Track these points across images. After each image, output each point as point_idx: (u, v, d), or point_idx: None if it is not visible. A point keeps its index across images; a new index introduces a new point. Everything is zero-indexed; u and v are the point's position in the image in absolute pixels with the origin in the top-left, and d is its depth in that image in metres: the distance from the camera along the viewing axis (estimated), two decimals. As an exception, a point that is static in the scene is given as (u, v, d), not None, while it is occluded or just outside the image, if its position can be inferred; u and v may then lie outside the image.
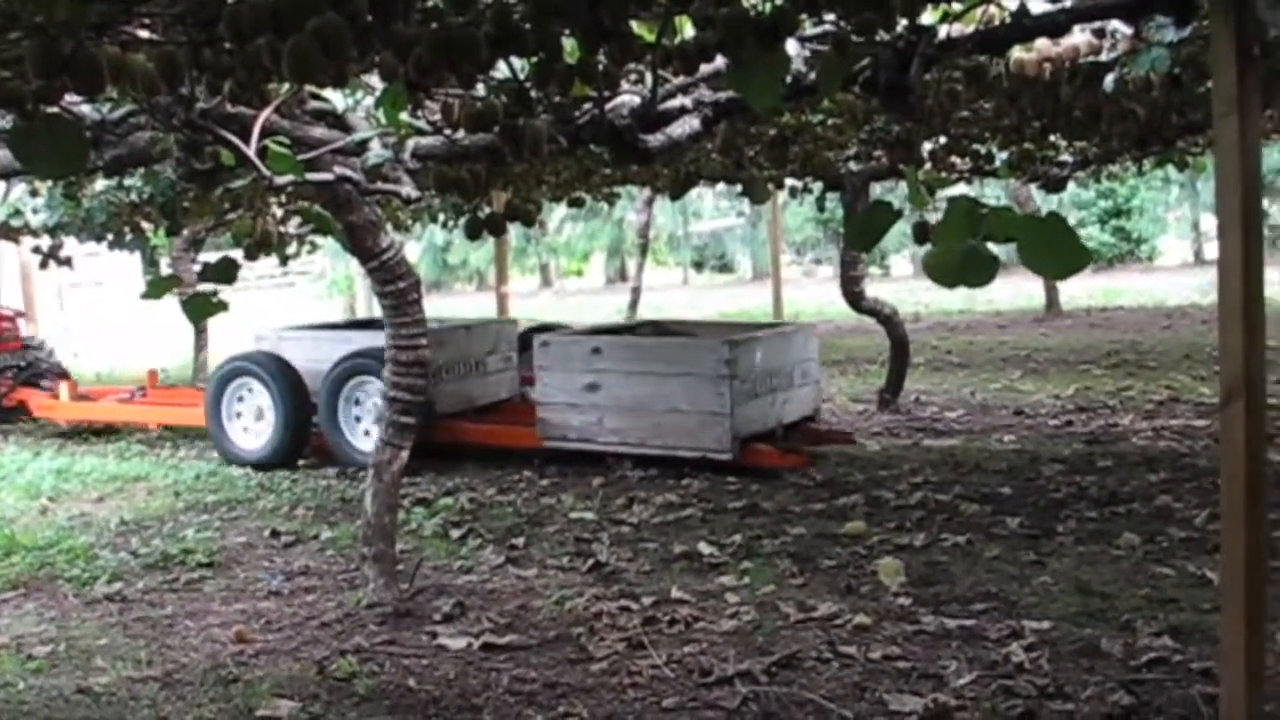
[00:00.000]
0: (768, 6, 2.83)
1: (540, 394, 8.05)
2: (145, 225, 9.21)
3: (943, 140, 7.02)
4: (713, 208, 28.71)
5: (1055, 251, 3.17)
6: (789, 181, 9.19)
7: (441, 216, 11.96)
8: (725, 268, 31.75)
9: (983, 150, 7.46)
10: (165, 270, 11.96)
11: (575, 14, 2.54)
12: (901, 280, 25.12)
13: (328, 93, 4.22)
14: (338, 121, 4.37)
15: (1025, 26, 3.51)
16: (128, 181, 7.50)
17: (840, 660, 4.34)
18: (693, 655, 4.45)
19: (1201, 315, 15.65)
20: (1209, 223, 27.90)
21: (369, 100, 4.39)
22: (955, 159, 7.77)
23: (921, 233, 4.45)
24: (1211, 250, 27.54)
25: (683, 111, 3.71)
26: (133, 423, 10.17)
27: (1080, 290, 17.91)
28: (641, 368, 7.67)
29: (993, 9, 3.73)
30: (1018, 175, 8.94)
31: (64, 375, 10.99)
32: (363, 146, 4.10)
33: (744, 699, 4.06)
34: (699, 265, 31.59)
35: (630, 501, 6.86)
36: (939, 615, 4.78)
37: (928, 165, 7.65)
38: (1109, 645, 4.37)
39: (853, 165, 8.40)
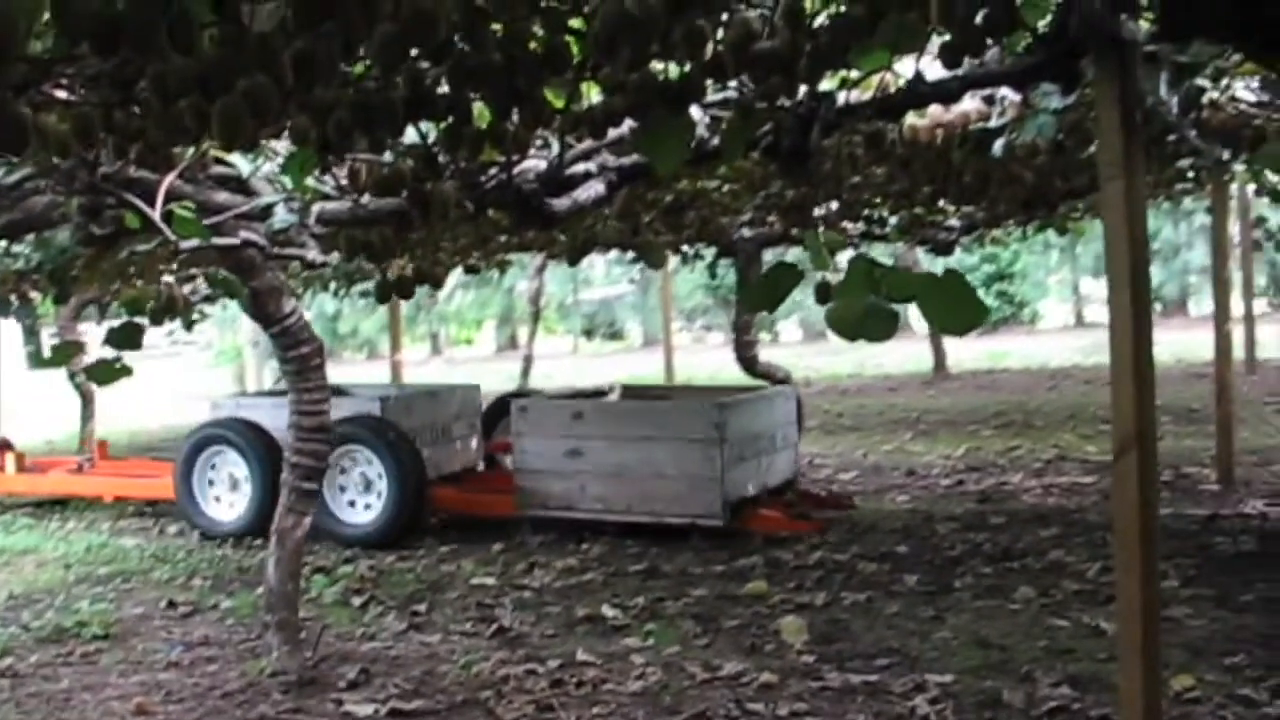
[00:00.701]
0: (675, 73, 2.91)
1: (518, 461, 7.81)
2: (33, 294, 9.05)
3: (834, 205, 7.16)
4: (603, 275, 28.84)
5: (954, 308, 3.26)
6: (684, 247, 9.31)
7: (333, 285, 11.89)
8: (615, 335, 31.88)
9: (874, 215, 7.63)
10: (47, 340, 11.76)
11: (492, 79, 2.58)
12: (791, 346, 25.40)
13: (233, 157, 4.22)
14: (241, 186, 4.36)
15: (920, 93, 3.62)
16: (16, 248, 7.38)
17: (748, 718, 4.38)
18: (601, 716, 4.46)
19: (1084, 375, 16.04)
20: (1088, 286, 28.65)
21: (267, 165, 4.40)
22: (847, 224, 7.93)
23: (823, 293, 4.55)
24: (1091, 313, 28.34)
25: (587, 176, 3.77)
26: (85, 495, 9.61)
27: (967, 353, 18.25)
28: (626, 432, 7.49)
29: (888, 76, 3.85)
30: (908, 239, 9.13)
31: (6, 446, 10.23)
32: (268, 211, 4.10)
33: (655, 758, 4.09)
34: (589, 333, 31.68)
35: (531, 566, 6.86)
36: (843, 671, 4.84)
37: (820, 230, 7.80)
38: (1010, 696, 4.46)
39: (746, 231, 8.53)
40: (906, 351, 18.92)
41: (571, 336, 31.45)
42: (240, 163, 4.29)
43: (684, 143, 3.21)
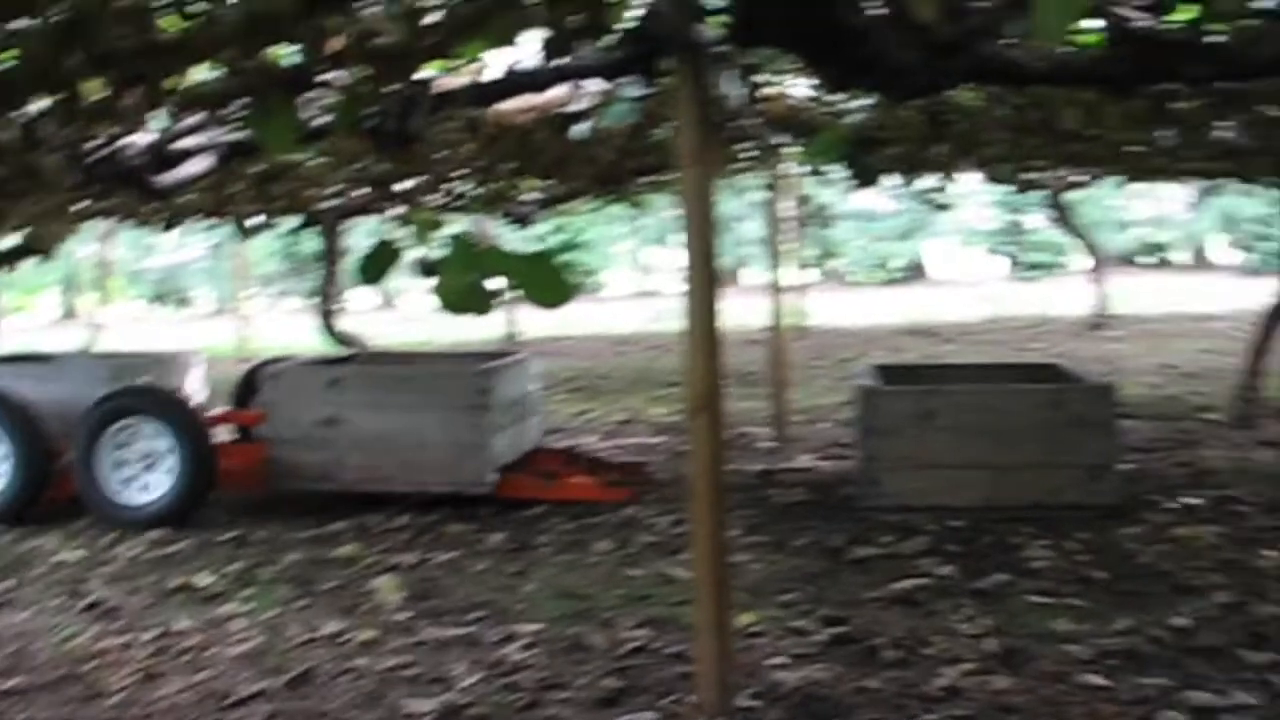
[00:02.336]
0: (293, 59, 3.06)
1: (270, 431, 7.33)
2: None
3: (422, 180, 7.37)
4: (174, 241, 27.88)
5: (548, 284, 3.56)
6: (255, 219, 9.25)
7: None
8: (184, 301, 30.90)
9: (457, 189, 7.88)
10: None
11: (117, 61, 2.66)
12: (365, 313, 25.37)
13: None
14: None
15: (515, 81, 3.89)
16: None
17: (353, 673, 4.56)
18: (207, 681, 4.54)
19: (650, 342, 16.86)
20: (653, 257, 29.96)
21: None
22: (429, 196, 8.15)
23: (427, 268, 4.77)
24: (654, 282, 29.64)
25: (196, 151, 3.84)
26: None
27: (537, 321, 18.79)
28: (387, 400, 7.18)
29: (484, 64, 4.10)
30: (488, 212, 9.44)
31: None
32: None
33: (266, 716, 4.21)
34: (159, 298, 30.58)
35: (119, 538, 6.74)
36: (439, 626, 5.09)
37: (401, 204, 8.00)
38: (594, 640, 4.83)
39: (328, 203, 8.61)
40: (476, 322, 19.29)
41: (142, 302, 30.28)
42: None
43: (296, 124, 3.36)
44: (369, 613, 5.32)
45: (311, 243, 18.66)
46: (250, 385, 8.35)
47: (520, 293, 3.54)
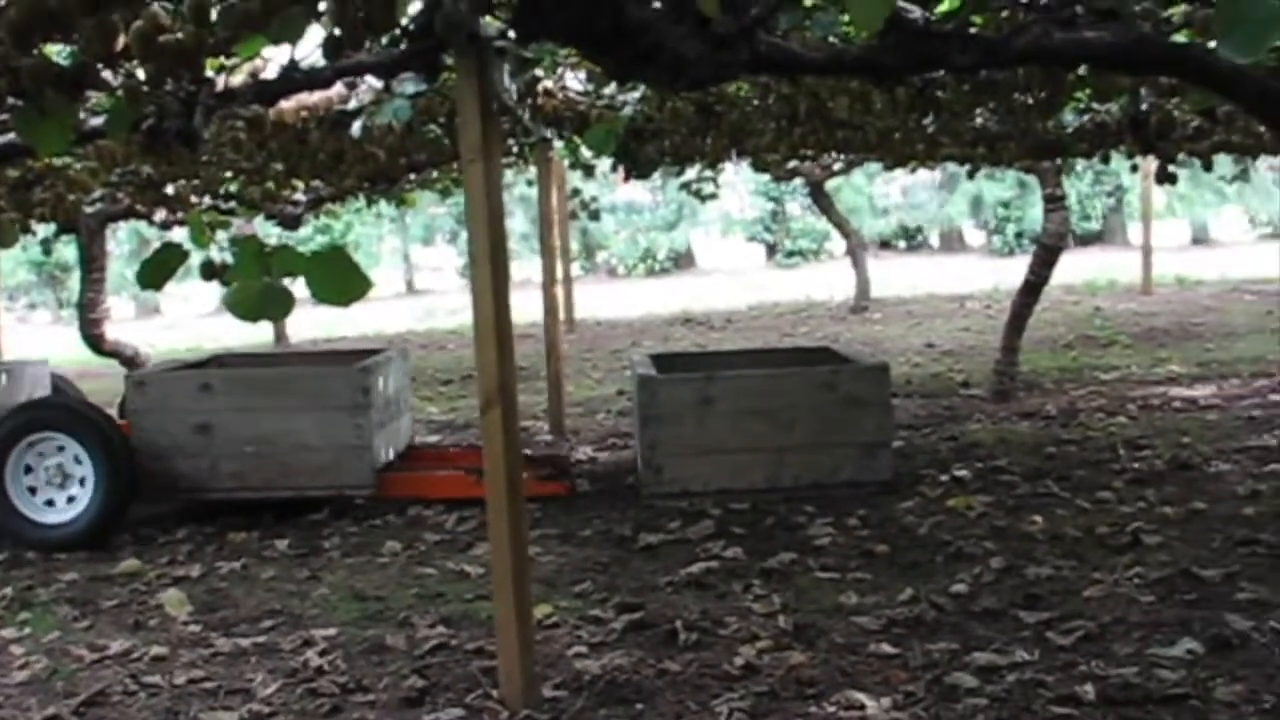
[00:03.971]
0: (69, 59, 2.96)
1: (138, 442, 6.88)
2: None
3: (187, 181, 7.17)
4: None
5: (340, 281, 3.52)
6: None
7: None
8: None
9: (224, 190, 7.70)
10: None
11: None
12: (123, 322, 24.51)
13: None
14: None
15: (295, 80, 3.83)
16: None
17: (147, 690, 4.43)
18: (-11, 709, 4.37)
19: (420, 340, 16.73)
20: (418, 255, 29.73)
21: None
22: (196, 199, 7.94)
23: (209, 271, 4.65)
24: (421, 280, 29.41)
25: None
26: None
27: (306, 323, 18.45)
28: (263, 403, 6.91)
29: (260, 63, 4.02)
30: (254, 214, 9.23)
31: None
32: None
33: (56, 740, 4.07)
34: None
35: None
36: (231, 637, 4.98)
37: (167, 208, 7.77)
38: (393, 640, 4.80)
39: (90, 208, 8.30)
40: (243, 327, 18.87)
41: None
42: None
43: (69, 127, 3.24)
44: (157, 628, 5.18)
45: (67, 251, 18.05)
46: None
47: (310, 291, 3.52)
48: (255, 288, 3.41)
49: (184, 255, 3.77)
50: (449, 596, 5.38)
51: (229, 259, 4.35)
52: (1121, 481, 6.83)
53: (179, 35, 2.78)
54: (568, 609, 5.11)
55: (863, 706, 3.98)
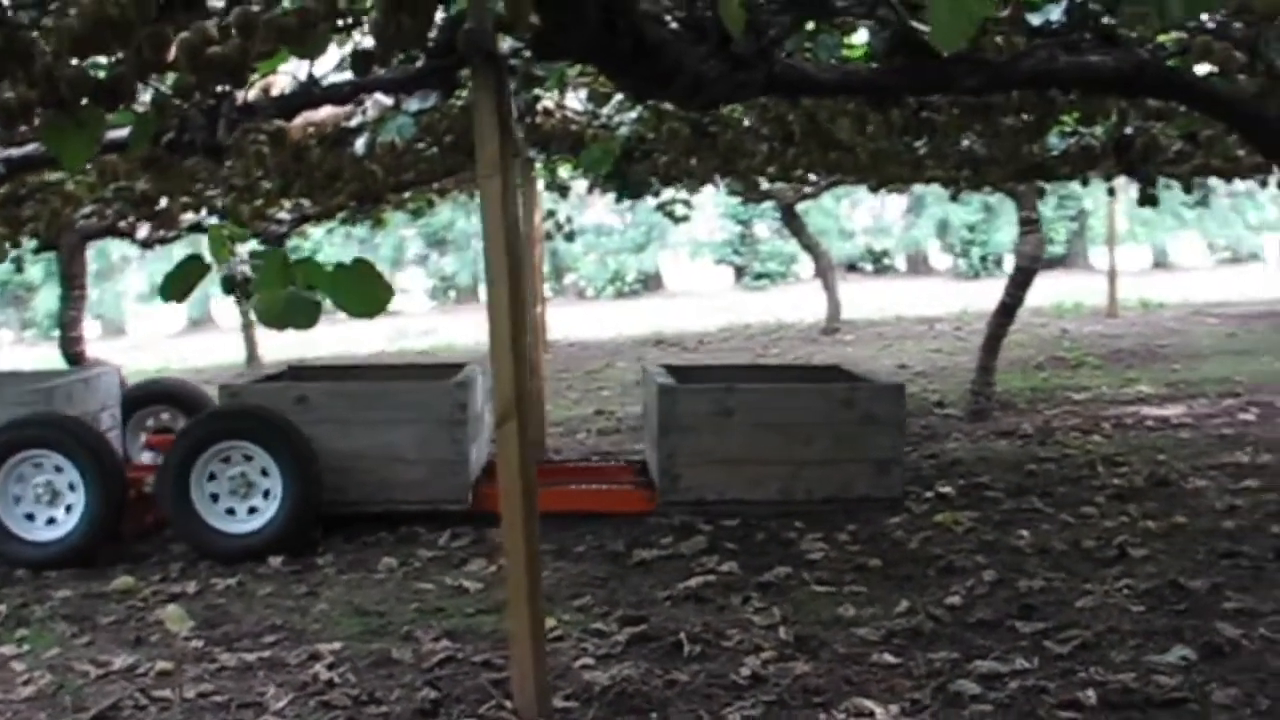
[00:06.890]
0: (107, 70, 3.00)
1: None
2: None
3: (182, 199, 7.17)
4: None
5: (363, 293, 3.58)
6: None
7: None
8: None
9: (216, 207, 7.69)
10: None
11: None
12: (89, 342, 24.35)
13: None
14: None
15: (314, 95, 3.88)
16: None
17: (158, 704, 4.44)
18: (0, 726, 4.37)
19: (392, 361, 16.69)
20: (386, 277, 29.60)
21: None
22: (185, 215, 7.93)
23: (230, 285, 4.69)
24: (396, 301, 29.30)
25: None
26: None
27: (278, 343, 18.39)
28: (360, 416, 6.84)
29: (277, 78, 4.07)
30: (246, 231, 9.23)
31: None
32: None
33: (73, 752, 4.08)
34: None
35: None
36: (235, 652, 4.99)
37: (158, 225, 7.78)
38: (399, 654, 4.83)
39: (85, 223, 8.29)
40: (213, 345, 18.93)
41: None
42: None
43: (95, 139, 3.27)
44: (159, 643, 5.17)
45: (34, 269, 17.95)
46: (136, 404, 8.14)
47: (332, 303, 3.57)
48: (281, 297, 3.47)
49: (205, 269, 3.83)
50: (450, 611, 5.41)
51: (249, 272, 4.38)
52: (1103, 497, 6.95)
53: (224, 48, 2.83)
54: (570, 622, 5.16)
55: (872, 714, 4.05)
